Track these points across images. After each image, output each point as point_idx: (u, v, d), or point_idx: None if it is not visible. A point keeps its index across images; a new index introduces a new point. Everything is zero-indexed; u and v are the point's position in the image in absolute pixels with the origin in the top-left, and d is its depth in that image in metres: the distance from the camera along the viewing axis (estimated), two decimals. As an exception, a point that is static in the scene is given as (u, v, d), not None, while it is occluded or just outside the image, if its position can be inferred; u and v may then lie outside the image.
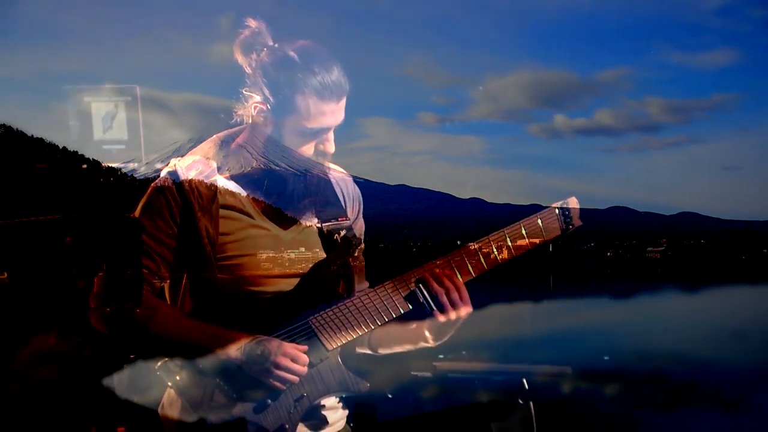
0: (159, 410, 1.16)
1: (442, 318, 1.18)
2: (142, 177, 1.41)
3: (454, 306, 1.18)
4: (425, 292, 1.18)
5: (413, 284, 1.19)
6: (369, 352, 1.34)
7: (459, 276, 1.20)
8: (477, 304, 1.25)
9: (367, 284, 1.32)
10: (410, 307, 1.19)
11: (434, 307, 1.18)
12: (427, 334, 1.25)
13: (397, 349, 1.32)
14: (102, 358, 1.17)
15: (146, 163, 1.40)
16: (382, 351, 1.34)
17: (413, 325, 1.26)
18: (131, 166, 1.40)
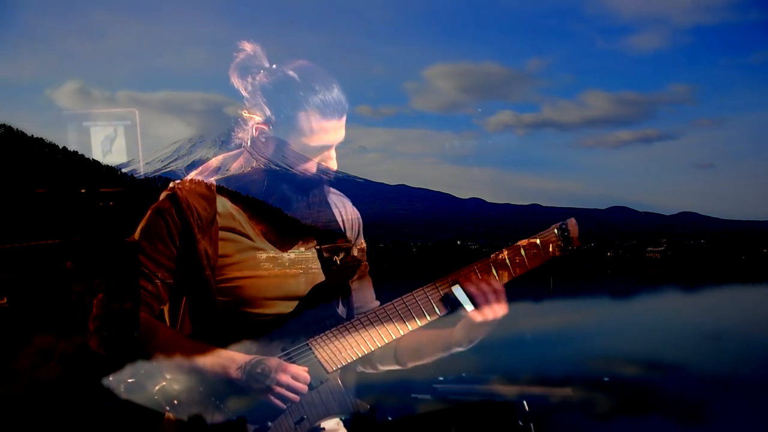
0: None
1: (480, 318, 1.18)
2: (142, 177, 1.41)
3: (492, 306, 1.18)
4: (463, 294, 1.17)
5: (441, 291, 1.18)
6: (396, 367, 1.33)
7: (498, 278, 1.19)
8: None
9: (377, 303, 1.32)
10: (434, 316, 1.18)
11: (474, 308, 1.17)
12: (460, 337, 1.24)
13: (429, 359, 1.32)
14: (102, 359, 1.16)
15: (146, 163, 1.40)
16: (412, 363, 1.33)
17: (443, 332, 1.26)
18: (131, 166, 1.40)
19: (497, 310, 1.20)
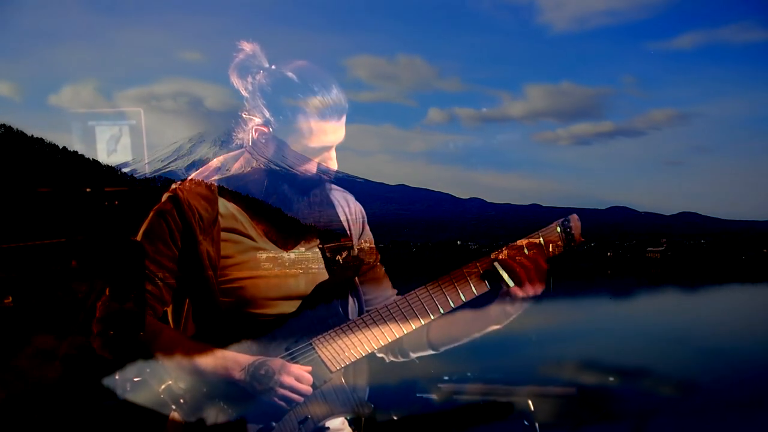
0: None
1: (521, 293, 1.19)
2: (142, 177, 1.41)
3: (532, 282, 1.20)
4: (503, 271, 1.18)
5: (481, 269, 1.19)
6: (429, 352, 1.34)
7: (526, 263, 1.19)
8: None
9: (394, 291, 1.33)
10: (453, 305, 1.19)
11: (515, 284, 1.19)
12: (497, 314, 1.25)
13: (464, 341, 1.33)
14: (106, 361, 1.17)
15: (146, 163, 1.40)
16: (445, 347, 1.34)
17: (477, 313, 1.27)
18: (131, 166, 1.40)
19: (537, 286, 1.21)
